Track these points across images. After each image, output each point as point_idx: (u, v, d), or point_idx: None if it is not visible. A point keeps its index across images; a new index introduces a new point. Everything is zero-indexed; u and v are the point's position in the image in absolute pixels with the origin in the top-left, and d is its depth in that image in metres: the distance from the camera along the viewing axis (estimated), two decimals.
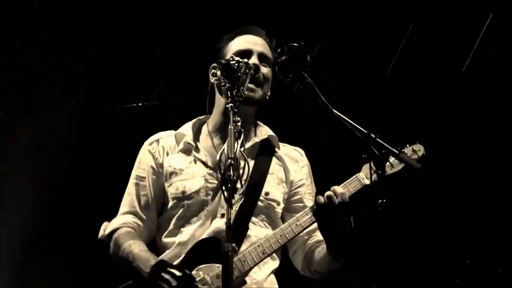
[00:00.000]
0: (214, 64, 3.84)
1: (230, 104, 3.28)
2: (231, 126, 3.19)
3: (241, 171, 3.12)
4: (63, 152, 6.51)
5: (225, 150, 3.15)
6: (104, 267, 4.64)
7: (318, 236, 3.84)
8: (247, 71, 3.41)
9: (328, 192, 3.63)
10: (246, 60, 3.46)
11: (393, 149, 3.28)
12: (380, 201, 3.31)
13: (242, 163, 3.16)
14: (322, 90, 3.46)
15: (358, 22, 6.35)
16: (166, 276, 3.48)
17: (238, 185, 3.11)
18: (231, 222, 3.57)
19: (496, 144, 6.31)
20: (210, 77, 3.92)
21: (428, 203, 6.35)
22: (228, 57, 3.52)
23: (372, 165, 3.36)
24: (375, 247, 3.31)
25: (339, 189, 3.65)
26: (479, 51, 6.27)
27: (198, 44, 6.27)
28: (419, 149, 3.81)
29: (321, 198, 3.64)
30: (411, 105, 6.42)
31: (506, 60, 6.26)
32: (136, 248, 3.71)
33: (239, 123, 3.21)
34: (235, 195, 3.10)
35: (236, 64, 3.37)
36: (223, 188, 3.07)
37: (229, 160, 3.08)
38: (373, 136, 3.30)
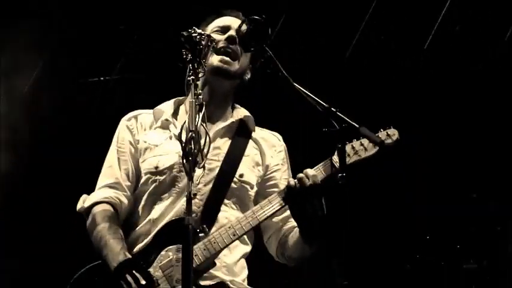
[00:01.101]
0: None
1: (192, 77, 3.26)
2: (191, 99, 3.17)
3: (202, 143, 3.10)
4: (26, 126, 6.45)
5: (186, 123, 3.13)
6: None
7: (293, 222, 3.80)
8: (209, 43, 3.38)
9: (299, 175, 3.62)
10: (207, 32, 3.44)
11: (353, 123, 3.28)
12: (340, 175, 3.33)
13: (204, 136, 3.13)
14: (285, 66, 3.46)
15: None
16: (129, 279, 3.49)
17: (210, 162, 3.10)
18: (203, 202, 3.67)
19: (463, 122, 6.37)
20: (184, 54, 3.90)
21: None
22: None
23: (339, 149, 3.36)
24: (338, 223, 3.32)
25: (310, 171, 3.62)
26: (442, 28, 6.31)
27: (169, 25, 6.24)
28: (394, 133, 3.78)
29: (292, 181, 3.62)
30: (374, 83, 6.45)
31: (468, 37, 6.30)
32: (111, 234, 3.66)
33: (201, 97, 3.19)
34: (197, 169, 3.09)
35: (198, 36, 3.33)
36: (184, 161, 3.05)
37: (190, 133, 3.07)
38: (334, 110, 3.30)
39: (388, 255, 6.56)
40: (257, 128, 4.01)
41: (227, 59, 3.80)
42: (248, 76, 3.95)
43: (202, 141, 3.11)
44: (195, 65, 3.31)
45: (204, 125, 3.13)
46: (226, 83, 3.85)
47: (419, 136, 6.20)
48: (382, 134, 3.77)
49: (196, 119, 3.12)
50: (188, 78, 3.28)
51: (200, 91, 3.21)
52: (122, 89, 6.75)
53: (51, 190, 6.55)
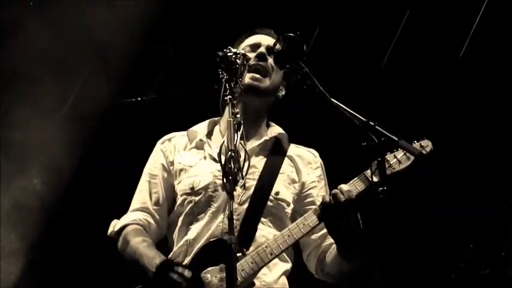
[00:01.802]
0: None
1: (228, 96, 3.27)
2: (229, 119, 3.18)
3: (241, 163, 3.11)
4: (65, 151, 6.50)
5: (225, 142, 3.13)
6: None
7: (331, 239, 3.77)
8: (245, 62, 3.39)
9: (334, 191, 3.60)
10: (243, 51, 3.45)
11: (392, 136, 3.27)
12: (381, 188, 3.32)
13: (243, 155, 3.13)
14: (321, 80, 3.46)
15: (353, 10, 6.35)
16: (174, 277, 3.47)
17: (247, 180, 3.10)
18: (240, 222, 3.65)
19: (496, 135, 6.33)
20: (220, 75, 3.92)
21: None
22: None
23: (379, 162, 3.36)
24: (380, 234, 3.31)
25: (345, 187, 3.60)
26: (475, 36, 6.28)
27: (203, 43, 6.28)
28: (427, 144, 3.77)
29: (326, 197, 3.61)
30: (411, 94, 6.43)
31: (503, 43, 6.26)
32: (144, 245, 3.69)
33: (238, 115, 3.19)
34: (237, 188, 3.09)
35: (233, 56, 3.35)
36: (224, 180, 3.05)
37: (229, 152, 3.07)
38: (372, 124, 3.29)
39: (431, 265, 6.51)
40: (292, 145, 3.99)
41: (257, 76, 3.80)
42: (282, 93, 3.96)
43: (241, 160, 3.11)
44: (232, 84, 3.32)
45: (243, 143, 3.13)
46: (257, 100, 3.85)
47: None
48: (416, 146, 3.75)
49: (235, 138, 3.12)
50: (225, 98, 3.28)
51: (237, 110, 3.22)
52: (158, 108, 6.79)
53: (89, 213, 6.61)
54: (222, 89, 3.80)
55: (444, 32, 6.37)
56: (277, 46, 3.57)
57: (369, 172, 3.64)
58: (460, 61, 6.38)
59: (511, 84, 6.31)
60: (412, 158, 3.70)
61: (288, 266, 3.82)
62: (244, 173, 3.12)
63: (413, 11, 6.35)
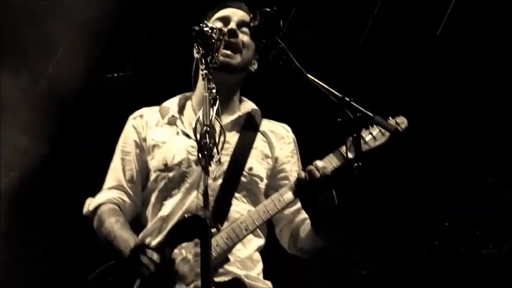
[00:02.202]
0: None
1: (205, 71, 3.24)
2: (205, 93, 3.15)
3: (217, 138, 3.09)
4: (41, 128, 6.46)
5: (200, 117, 3.11)
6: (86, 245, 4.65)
7: (304, 213, 3.79)
8: (221, 37, 3.37)
9: (309, 167, 3.60)
10: (219, 26, 3.43)
11: (368, 112, 3.27)
12: (356, 165, 3.32)
13: (218, 130, 3.13)
14: (298, 57, 3.45)
15: None
16: (145, 261, 3.48)
17: (219, 155, 3.10)
18: (214, 197, 3.65)
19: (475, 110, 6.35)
20: (194, 52, 3.88)
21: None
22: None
23: (354, 139, 3.36)
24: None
25: (320, 163, 3.60)
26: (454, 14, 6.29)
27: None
28: (402, 121, 3.78)
29: (302, 173, 3.60)
30: (387, 72, 6.43)
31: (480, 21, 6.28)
32: (118, 226, 3.69)
33: (214, 90, 3.17)
34: (212, 163, 3.08)
35: (209, 30, 3.32)
36: (199, 155, 3.03)
37: (204, 127, 3.05)
38: (348, 100, 3.29)
39: (405, 244, 6.55)
40: (265, 120, 3.99)
41: (228, 52, 3.78)
42: (255, 66, 3.95)
43: (216, 135, 3.10)
44: (208, 59, 3.29)
45: (219, 118, 3.12)
46: (229, 77, 3.83)
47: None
48: (391, 122, 3.76)
49: (210, 113, 3.10)
50: (201, 72, 3.27)
51: (214, 85, 3.20)
52: (132, 85, 6.75)
53: (63, 189, 6.58)
54: (194, 64, 3.82)
55: (421, 12, 6.37)
56: (254, 21, 3.56)
57: (344, 148, 3.64)
58: (438, 39, 6.38)
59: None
60: (387, 134, 3.71)
61: (261, 241, 3.84)
62: (219, 149, 3.11)
63: None
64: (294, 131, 4.02)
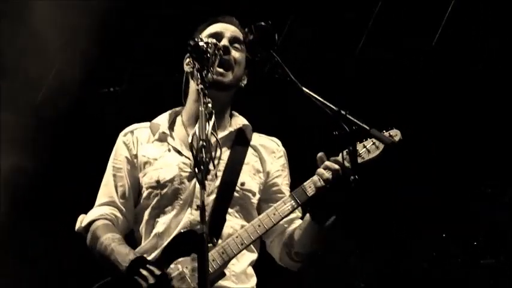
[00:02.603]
0: (188, 54, 3.83)
1: (200, 86, 3.24)
2: (201, 108, 3.15)
3: (213, 153, 3.09)
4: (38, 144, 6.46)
5: (197, 132, 3.12)
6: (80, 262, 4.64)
7: (296, 223, 3.83)
8: (216, 51, 3.38)
9: (329, 163, 3.60)
10: (214, 41, 3.44)
11: (364, 125, 3.28)
12: (352, 178, 3.33)
13: (214, 144, 3.13)
14: (293, 70, 3.46)
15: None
16: (145, 273, 3.48)
17: (212, 170, 3.10)
18: (208, 213, 3.65)
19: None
20: (185, 66, 3.91)
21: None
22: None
23: (350, 152, 3.37)
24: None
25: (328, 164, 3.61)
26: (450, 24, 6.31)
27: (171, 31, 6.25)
28: (396, 133, 3.77)
29: (325, 173, 3.60)
30: (383, 85, 6.45)
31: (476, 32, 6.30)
32: (114, 241, 3.68)
33: (210, 105, 3.18)
34: (208, 178, 3.07)
35: (205, 45, 3.33)
36: (196, 170, 3.03)
37: (200, 142, 3.06)
38: (343, 113, 3.30)
39: (403, 255, 6.55)
40: (255, 134, 4.00)
41: (221, 70, 3.77)
42: (244, 82, 3.95)
43: (212, 150, 3.10)
44: (203, 73, 3.31)
45: (215, 132, 3.12)
46: (221, 94, 3.82)
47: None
48: (384, 135, 3.74)
49: (206, 128, 3.11)
50: (197, 87, 3.27)
51: (209, 99, 3.21)
52: (126, 99, 6.76)
53: (59, 205, 6.58)
54: (184, 78, 3.83)
55: (417, 22, 6.38)
56: (249, 36, 3.57)
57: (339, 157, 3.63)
58: (433, 50, 6.40)
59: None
60: (381, 147, 3.71)
61: (254, 256, 3.85)
62: (216, 163, 3.11)
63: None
64: (285, 145, 4.03)
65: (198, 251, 3.03)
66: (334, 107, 3.33)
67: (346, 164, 3.59)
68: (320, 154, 3.67)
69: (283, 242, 3.87)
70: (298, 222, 3.82)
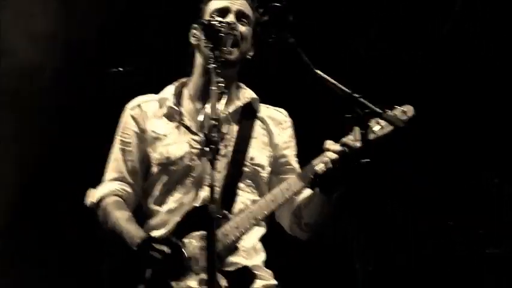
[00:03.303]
0: (195, 25, 3.82)
1: (213, 65, 3.26)
2: (213, 87, 3.18)
3: (223, 132, 3.11)
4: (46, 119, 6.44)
5: (207, 112, 3.13)
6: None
7: (305, 193, 3.84)
8: (230, 31, 3.37)
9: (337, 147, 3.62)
10: (228, 20, 3.43)
11: (376, 109, 3.26)
12: (363, 160, 3.32)
13: (225, 124, 3.15)
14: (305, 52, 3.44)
15: None
16: (155, 254, 3.50)
17: (222, 147, 3.11)
18: (219, 188, 3.67)
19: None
20: (191, 38, 3.90)
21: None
22: (206, 17, 3.49)
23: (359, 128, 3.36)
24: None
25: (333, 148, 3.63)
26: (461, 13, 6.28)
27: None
28: (409, 109, 3.76)
29: (319, 168, 3.63)
30: (396, 66, 6.42)
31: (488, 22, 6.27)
32: (124, 219, 3.71)
33: (221, 84, 3.19)
34: (218, 157, 3.09)
35: (219, 25, 3.33)
36: (207, 149, 3.06)
37: (211, 121, 3.07)
38: (356, 96, 3.28)
39: (408, 243, 6.54)
40: (263, 106, 4.01)
41: (227, 48, 3.69)
42: (251, 53, 3.94)
43: (224, 129, 3.11)
44: (215, 53, 3.31)
45: (227, 113, 3.12)
46: (227, 70, 3.76)
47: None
48: (397, 111, 3.75)
49: (217, 107, 3.13)
50: (209, 66, 3.26)
51: (222, 79, 3.21)
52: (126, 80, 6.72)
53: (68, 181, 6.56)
54: (191, 50, 3.78)
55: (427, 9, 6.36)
56: (263, 17, 3.55)
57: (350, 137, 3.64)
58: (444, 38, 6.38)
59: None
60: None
61: (263, 230, 3.88)
62: (226, 142, 3.14)
63: None
64: (301, 127, 4.04)
65: (207, 231, 3.06)
66: (347, 90, 3.32)
67: (357, 143, 3.57)
68: (328, 141, 3.67)
69: (293, 212, 3.89)
70: (307, 192, 3.84)
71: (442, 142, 6.26)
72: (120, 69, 6.67)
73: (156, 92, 4.02)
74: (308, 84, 3.55)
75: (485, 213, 6.33)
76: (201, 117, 3.18)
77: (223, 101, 3.14)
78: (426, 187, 6.40)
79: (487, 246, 6.25)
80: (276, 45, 3.67)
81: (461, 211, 6.39)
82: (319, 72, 3.41)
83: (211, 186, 3.06)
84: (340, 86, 3.35)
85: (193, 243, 3.59)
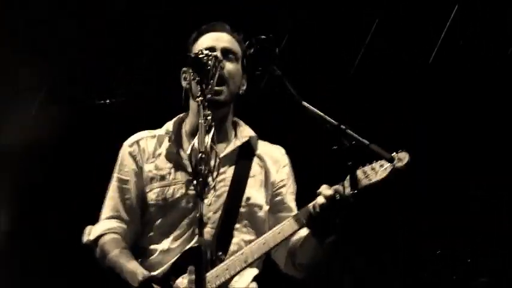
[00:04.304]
0: (185, 68, 3.83)
1: (200, 98, 3.23)
2: (201, 120, 3.16)
3: (212, 166, 3.09)
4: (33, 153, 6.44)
5: (195, 145, 3.12)
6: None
7: (301, 233, 3.80)
8: (217, 64, 3.37)
9: (328, 192, 3.59)
10: (215, 53, 3.43)
11: (363, 140, 3.27)
12: (352, 192, 3.33)
13: (213, 157, 3.13)
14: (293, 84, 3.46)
15: (326, 14, 6.37)
16: None
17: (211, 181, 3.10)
18: (215, 230, 3.69)
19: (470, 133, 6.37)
20: (182, 81, 3.89)
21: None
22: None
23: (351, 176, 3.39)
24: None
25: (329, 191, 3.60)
26: (446, 42, 6.33)
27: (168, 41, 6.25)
28: (405, 156, 3.68)
29: (311, 208, 3.62)
30: (381, 97, 6.46)
31: (472, 50, 6.32)
32: (124, 258, 3.69)
33: (209, 117, 3.18)
34: (210, 195, 3.09)
35: (205, 57, 3.33)
36: (194, 182, 3.04)
37: (199, 154, 3.06)
38: (343, 128, 3.30)
39: (397, 271, 6.53)
40: (261, 142, 3.98)
41: (216, 88, 3.58)
42: (244, 87, 3.90)
43: (212, 163, 3.10)
44: (203, 86, 3.30)
45: (214, 145, 3.12)
46: (219, 111, 3.78)
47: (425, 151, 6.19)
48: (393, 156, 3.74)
49: (205, 140, 3.11)
50: (197, 100, 3.26)
51: (209, 112, 3.21)
52: (125, 110, 6.74)
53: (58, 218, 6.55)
54: (183, 93, 3.80)
55: (414, 39, 6.41)
56: (249, 49, 3.56)
57: (346, 182, 3.58)
58: (430, 67, 6.42)
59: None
60: (388, 168, 3.67)
61: (256, 271, 3.84)
62: (214, 176, 3.11)
63: (384, 17, 6.38)
64: (291, 160, 4.02)
65: (196, 263, 3.05)
66: (334, 121, 3.33)
67: (347, 190, 3.55)
68: (323, 186, 3.65)
69: (288, 251, 3.86)
70: (303, 232, 3.79)
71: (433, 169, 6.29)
72: (107, 101, 6.72)
73: (149, 123, 4.01)
74: (295, 115, 3.56)
75: (473, 241, 6.35)
76: (188, 150, 3.17)
77: (211, 134, 3.11)
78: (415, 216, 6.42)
79: (476, 276, 6.24)
80: (262, 78, 3.71)
81: (448, 239, 6.40)
82: (305, 104, 3.42)
83: (200, 219, 3.04)
84: (327, 117, 3.36)
85: (185, 283, 3.56)
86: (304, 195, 3.76)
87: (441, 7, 6.33)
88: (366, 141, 3.28)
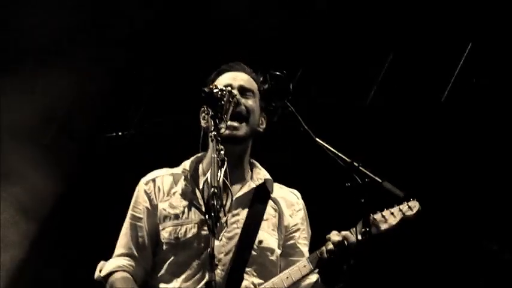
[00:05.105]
0: (203, 108, 3.82)
1: (214, 133, 3.24)
2: (213, 155, 3.16)
3: (224, 200, 3.09)
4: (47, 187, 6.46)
5: (208, 179, 3.12)
6: None
7: (312, 278, 3.79)
8: (231, 99, 3.38)
9: (337, 238, 3.62)
10: (229, 88, 3.44)
11: (376, 178, 3.27)
12: (360, 239, 3.34)
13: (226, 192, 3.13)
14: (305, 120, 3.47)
15: (338, 50, 6.38)
16: None
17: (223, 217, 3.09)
18: (226, 272, 3.65)
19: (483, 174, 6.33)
20: (201, 121, 3.87)
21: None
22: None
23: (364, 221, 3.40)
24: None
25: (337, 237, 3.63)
26: (459, 80, 6.33)
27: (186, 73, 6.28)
28: (415, 205, 3.73)
29: (324, 252, 3.64)
30: (392, 134, 6.45)
31: (485, 88, 6.31)
32: None
33: (222, 152, 3.18)
34: (221, 233, 3.07)
35: (219, 92, 3.34)
36: (206, 216, 3.03)
37: (212, 189, 3.05)
38: (356, 165, 3.29)
39: None
40: (276, 185, 3.95)
41: (234, 124, 3.70)
42: (263, 126, 3.89)
43: (224, 199, 3.09)
44: (217, 120, 3.31)
45: (227, 181, 3.11)
46: (236, 147, 3.77)
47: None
48: (403, 207, 3.72)
49: (218, 175, 3.11)
50: (210, 134, 3.27)
51: (221, 146, 3.20)
52: (140, 143, 6.74)
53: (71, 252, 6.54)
54: (202, 132, 3.74)
55: (426, 76, 6.41)
56: (263, 84, 3.57)
57: (359, 226, 3.60)
58: (442, 106, 6.41)
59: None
60: (398, 216, 3.67)
61: None
62: (228, 216, 3.11)
63: (397, 54, 6.39)
64: (302, 196, 4.00)
65: None
66: (346, 159, 3.33)
67: (354, 238, 3.58)
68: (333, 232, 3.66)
69: None
70: (314, 277, 3.79)
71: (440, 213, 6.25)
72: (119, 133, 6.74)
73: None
74: (308, 153, 3.56)
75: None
76: (201, 185, 3.17)
77: (223, 169, 3.11)
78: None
79: None
80: (276, 113, 3.71)
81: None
82: (319, 140, 3.42)
83: (212, 254, 3.03)
84: (340, 154, 3.36)
85: None
86: (315, 234, 3.74)
87: (455, 45, 6.32)
88: (379, 179, 3.27)
